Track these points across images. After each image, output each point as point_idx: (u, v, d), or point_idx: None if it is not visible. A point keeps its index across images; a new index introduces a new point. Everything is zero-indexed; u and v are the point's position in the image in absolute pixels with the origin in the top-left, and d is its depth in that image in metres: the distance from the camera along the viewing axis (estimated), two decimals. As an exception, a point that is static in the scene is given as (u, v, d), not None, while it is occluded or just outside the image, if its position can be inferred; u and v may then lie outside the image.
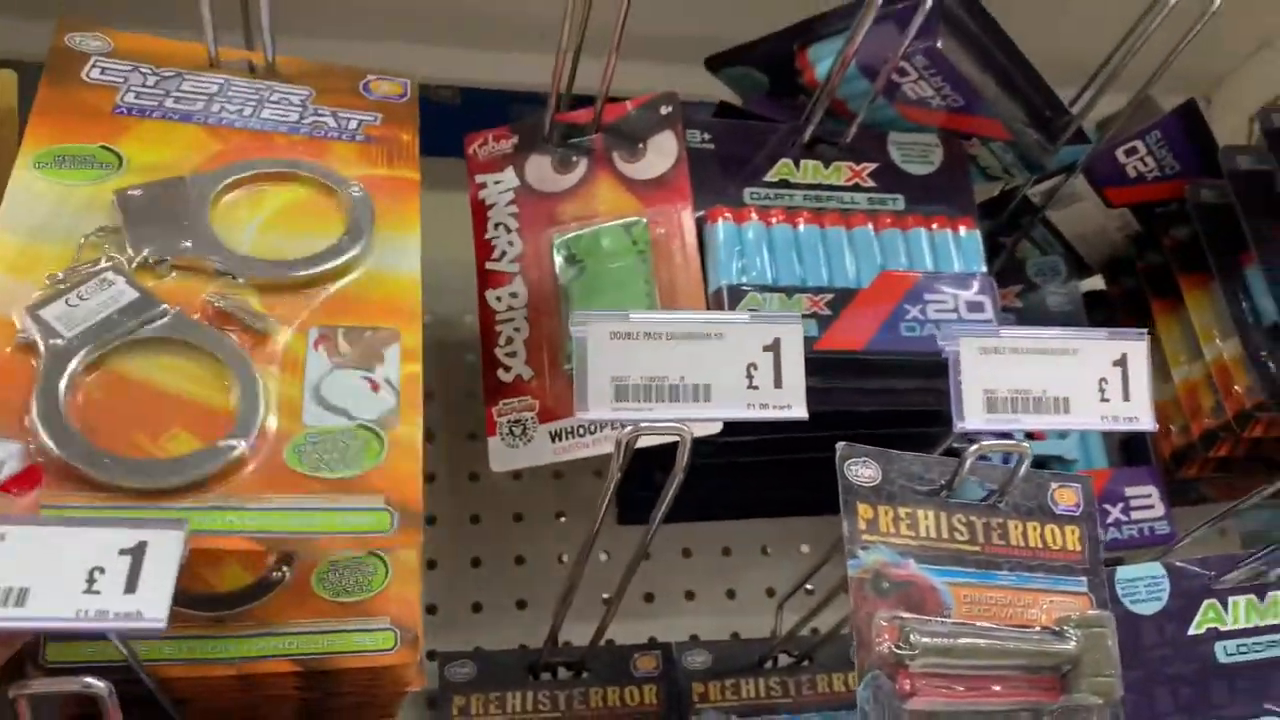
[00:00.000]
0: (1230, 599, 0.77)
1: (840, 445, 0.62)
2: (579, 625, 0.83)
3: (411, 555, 0.68)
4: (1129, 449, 0.97)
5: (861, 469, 0.62)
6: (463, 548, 1.01)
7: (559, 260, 0.78)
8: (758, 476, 0.88)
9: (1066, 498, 0.66)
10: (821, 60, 0.83)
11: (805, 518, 1.05)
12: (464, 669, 0.87)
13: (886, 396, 0.77)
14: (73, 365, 0.59)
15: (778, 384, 0.57)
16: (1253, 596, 0.77)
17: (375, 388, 0.62)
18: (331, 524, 0.58)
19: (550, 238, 0.79)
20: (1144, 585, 0.77)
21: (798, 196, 0.82)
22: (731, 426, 0.69)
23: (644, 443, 0.60)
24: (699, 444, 0.62)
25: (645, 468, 0.66)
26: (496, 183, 0.81)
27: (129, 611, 0.49)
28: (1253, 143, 0.92)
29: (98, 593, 0.49)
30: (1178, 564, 0.78)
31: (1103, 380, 0.60)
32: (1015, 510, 0.65)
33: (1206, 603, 0.77)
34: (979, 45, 0.80)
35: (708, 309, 0.77)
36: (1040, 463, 0.93)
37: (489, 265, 0.79)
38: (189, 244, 0.65)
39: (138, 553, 0.49)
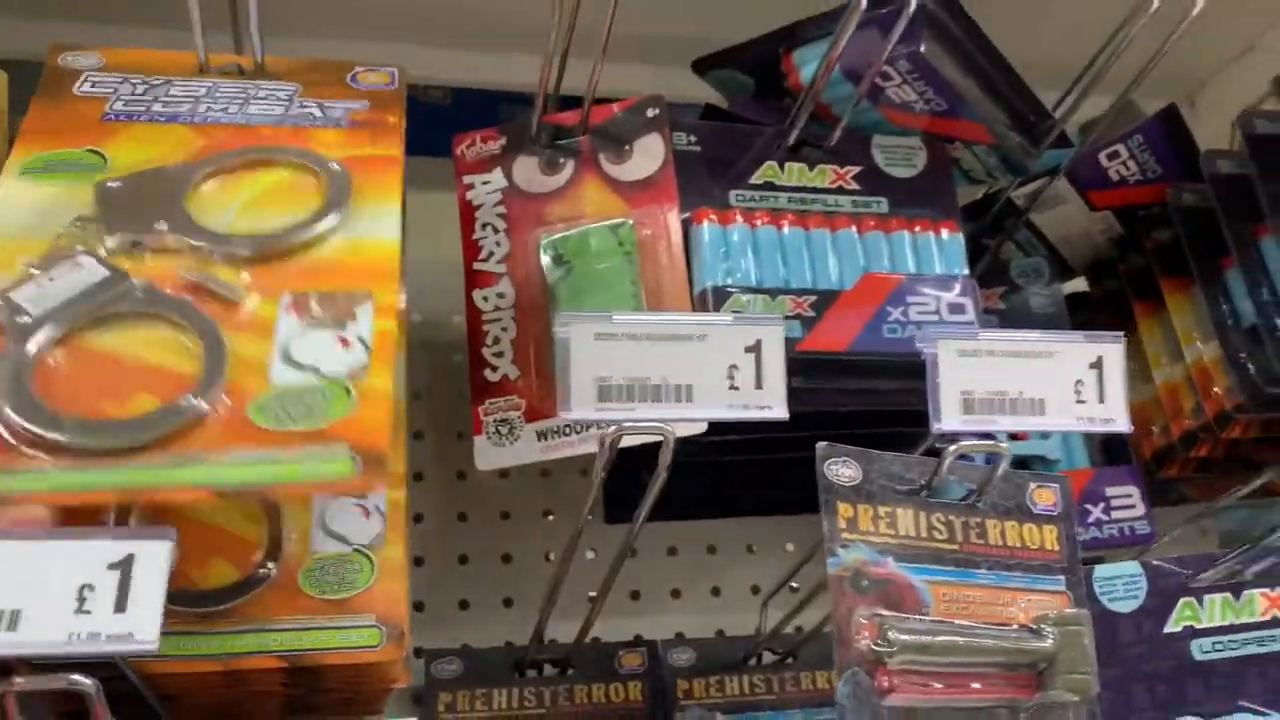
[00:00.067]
0: (1206, 597, 0.78)
1: (820, 445, 0.63)
2: (566, 623, 0.84)
3: (398, 553, 0.68)
4: (1110, 449, 0.98)
5: (842, 469, 0.63)
6: (450, 545, 1.01)
7: (546, 261, 0.78)
8: (743, 476, 0.89)
9: (1045, 498, 0.67)
10: (807, 64, 0.83)
11: (791, 516, 1.05)
12: (450, 666, 0.88)
13: (869, 397, 0.78)
14: (39, 339, 0.59)
15: (759, 385, 0.57)
16: (1229, 595, 0.78)
17: (346, 344, 0.62)
18: (291, 473, 0.57)
19: (537, 238, 0.79)
20: (1122, 584, 0.78)
21: (782, 199, 0.83)
22: (715, 426, 0.70)
23: (628, 442, 0.60)
24: (684, 443, 0.63)
25: (632, 467, 0.67)
26: (484, 183, 0.81)
27: (121, 633, 0.49)
28: (1234, 147, 0.93)
29: (88, 613, 0.49)
30: (1155, 563, 0.79)
31: (1079, 382, 0.61)
32: (994, 510, 0.66)
33: (1183, 601, 0.78)
34: (962, 49, 0.81)
35: (693, 310, 0.77)
36: (1023, 463, 0.94)
37: (476, 265, 0.79)
38: (164, 225, 0.65)
39: (126, 567, 0.50)
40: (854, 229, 0.82)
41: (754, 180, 0.83)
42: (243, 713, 0.71)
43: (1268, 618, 0.78)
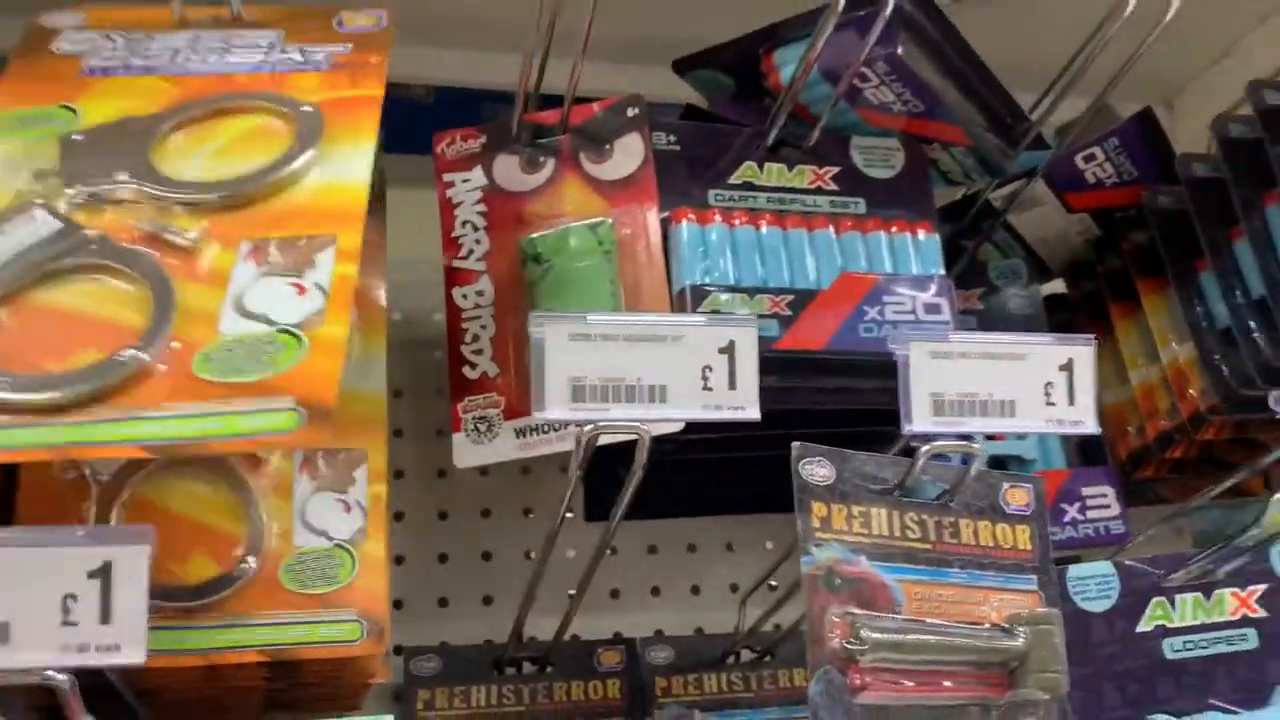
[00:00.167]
0: (1178, 597, 0.79)
1: (795, 445, 0.64)
2: (546, 620, 0.84)
3: (379, 548, 0.68)
4: (1087, 449, 0.99)
5: (816, 468, 0.64)
6: (430, 543, 1.01)
7: (525, 259, 0.79)
8: (721, 474, 0.89)
9: (1018, 498, 0.68)
10: (787, 64, 0.84)
11: (771, 515, 1.06)
12: (429, 663, 0.88)
13: (845, 396, 0.79)
14: None
15: (732, 385, 0.58)
16: (1200, 594, 0.79)
17: (302, 291, 0.60)
18: (231, 427, 0.55)
19: (517, 237, 0.79)
20: (1094, 583, 0.78)
21: (761, 199, 0.83)
22: (692, 425, 0.70)
23: (605, 441, 0.61)
24: (661, 441, 0.63)
25: (611, 465, 0.67)
26: (464, 181, 0.81)
27: (109, 645, 0.50)
28: (1210, 150, 0.93)
29: (75, 624, 0.49)
30: (1127, 562, 0.79)
31: (1049, 385, 0.62)
32: (967, 509, 0.67)
33: (1155, 600, 0.79)
34: (939, 51, 0.81)
35: (672, 309, 0.77)
36: (1000, 462, 0.95)
37: (456, 263, 0.79)
38: (124, 175, 0.64)
39: (105, 575, 0.50)
40: (831, 229, 0.83)
41: (733, 180, 0.83)
42: (223, 707, 0.72)
43: (1237, 617, 0.79)
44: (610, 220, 0.79)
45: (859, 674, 0.60)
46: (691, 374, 0.58)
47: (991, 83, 0.84)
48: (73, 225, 0.61)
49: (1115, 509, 0.95)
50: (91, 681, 0.53)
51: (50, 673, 0.50)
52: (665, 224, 0.80)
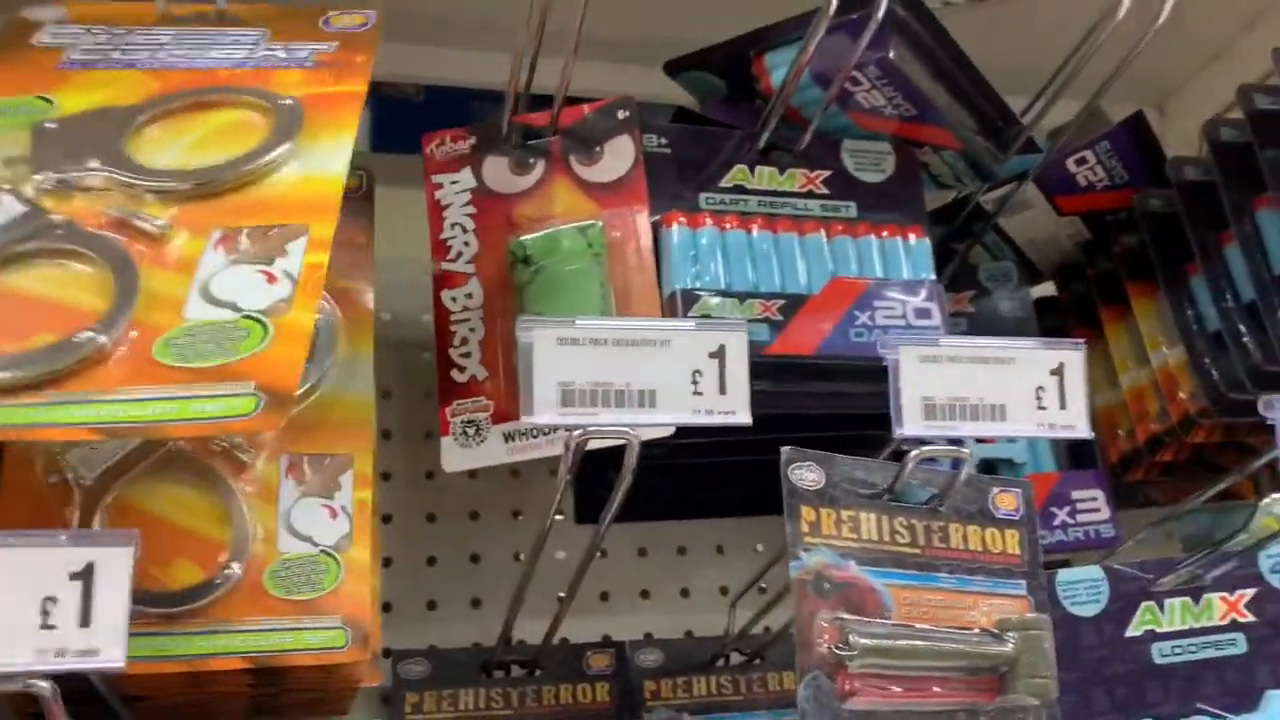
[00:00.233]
0: (1167, 601, 0.79)
1: (785, 449, 0.64)
2: (535, 623, 0.84)
3: (365, 554, 0.68)
4: (1077, 453, 0.99)
5: (806, 472, 0.63)
6: (418, 545, 1.01)
7: (515, 262, 0.78)
8: (712, 477, 0.89)
9: (1007, 502, 0.68)
10: (778, 67, 0.84)
11: (761, 518, 1.06)
12: (418, 667, 0.88)
13: (836, 400, 0.78)
14: None
15: (722, 390, 0.58)
16: (1188, 599, 0.79)
17: (272, 279, 0.59)
18: (186, 411, 0.54)
19: (506, 239, 0.79)
20: (1084, 588, 0.78)
21: (752, 202, 0.83)
22: (682, 429, 0.70)
23: (595, 445, 0.61)
24: (651, 445, 0.63)
25: (601, 467, 0.67)
26: (453, 183, 0.81)
27: (88, 649, 0.49)
28: (1201, 154, 0.93)
29: (54, 627, 0.49)
30: (1117, 567, 0.79)
31: (1040, 389, 0.62)
32: (956, 514, 0.67)
33: (1144, 605, 0.79)
34: (931, 55, 0.81)
35: (662, 313, 0.77)
36: (990, 465, 0.95)
37: (445, 265, 0.79)
38: (96, 163, 0.63)
39: (87, 577, 0.49)
40: (822, 233, 0.82)
41: (724, 183, 0.83)
42: (208, 713, 0.71)
43: (1226, 622, 0.79)
44: (600, 223, 0.79)
45: (848, 679, 0.60)
46: (681, 378, 0.58)
47: (983, 86, 0.84)
48: (38, 209, 0.61)
49: (1105, 512, 0.95)
50: (76, 687, 0.53)
51: (33, 680, 0.49)
52: (656, 227, 0.80)
